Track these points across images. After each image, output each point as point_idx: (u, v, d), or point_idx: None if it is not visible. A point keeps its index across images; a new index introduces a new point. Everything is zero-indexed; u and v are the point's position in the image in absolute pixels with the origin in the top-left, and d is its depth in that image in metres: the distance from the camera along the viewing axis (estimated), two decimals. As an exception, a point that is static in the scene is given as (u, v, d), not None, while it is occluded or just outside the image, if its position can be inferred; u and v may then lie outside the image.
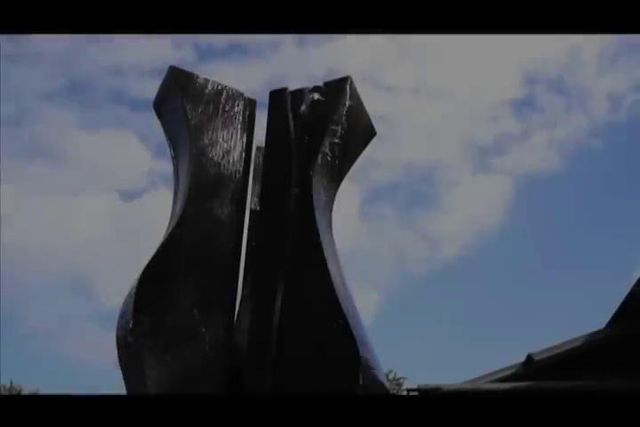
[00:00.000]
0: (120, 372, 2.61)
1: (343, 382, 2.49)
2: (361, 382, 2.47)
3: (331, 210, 2.98)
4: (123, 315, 2.57)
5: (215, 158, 2.87)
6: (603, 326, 17.16)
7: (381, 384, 2.64)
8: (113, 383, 2.66)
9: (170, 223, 2.76)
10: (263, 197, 2.93)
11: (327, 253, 2.70)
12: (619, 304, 16.67)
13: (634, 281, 16.08)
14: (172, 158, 3.01)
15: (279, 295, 2.64)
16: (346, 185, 3.08)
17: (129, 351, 2.51)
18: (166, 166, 3.10)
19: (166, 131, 3.05)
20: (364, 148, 3.11)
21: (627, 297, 16.31)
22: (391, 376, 31.70)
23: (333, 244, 2.90)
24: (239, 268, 2.82)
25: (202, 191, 2.79)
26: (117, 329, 2.59)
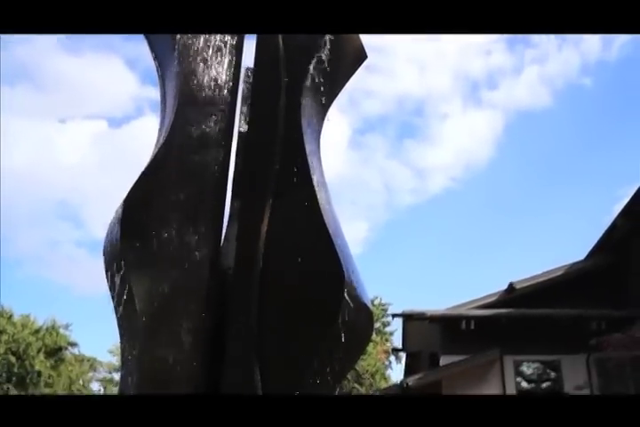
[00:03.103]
0: (109, 292, 2.66)
1: (327, 298, 2.54)
2: (345, 300, 2.52)
3: (319, 134, 2.97)
4: (110, 233, 2.60)
5: (204, 79, 2.85)
6: (582, 257, 17.52)
7: (365, 305, 2.70)
8: (100, 308, 2.70)
9: (156, 144, 2.76)
10: (251, 119, 2.92)
11: (315, 176, 2.72)
12: (598, 237, 16.98)
13: (614, 216, 16.34)
14: (159, 78, 2.98)
15: (266, 216, 2.66)
16: (337, 115, 3.06)
17: (117, 271, 2.55)
18: (154, 93, 3.06)
19: (154, 52, 3.01)
20: (354, 71, 3.08)
21: (606, 231, 16.59)
22: (377, 302, 32.34)
23: (322, 168, 2.91)
24: (226, 191, 2.83)
25: (189, 111, 2.78)
26: (104, 247, 2.62)
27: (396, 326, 35.84)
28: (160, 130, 2.86)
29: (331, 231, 2.63)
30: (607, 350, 10.78)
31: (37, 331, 34.39)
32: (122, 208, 2.59)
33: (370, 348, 30.68)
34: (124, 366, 2.64)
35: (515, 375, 14.99)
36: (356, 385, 29.90)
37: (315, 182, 2.72)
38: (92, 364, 37.45)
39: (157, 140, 2.82)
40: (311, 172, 2.73)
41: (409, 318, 15.86)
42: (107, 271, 2.64)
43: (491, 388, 14.48)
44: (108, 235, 2.64)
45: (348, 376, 29.67)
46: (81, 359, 36.28)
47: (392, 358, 32.92)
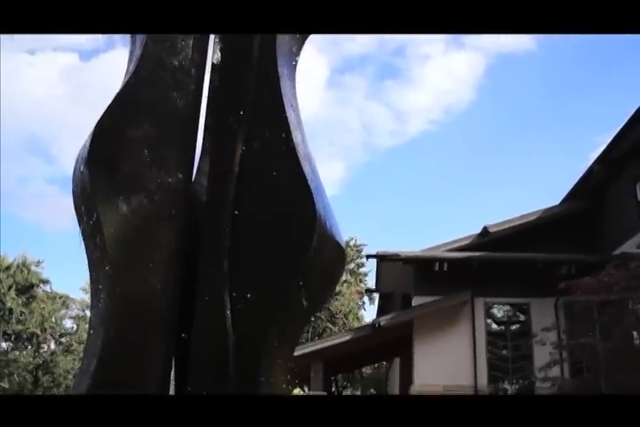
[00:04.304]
0: (78, 227, 2.63)
1: (299, 235, 2.54)
2: (316, 239, 2.52)
3: (294, 70, 2.92)
4: (78, 164, 2.55)
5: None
6: (557, 202, 17.69)
7: (337, 243, 2.70)
8: (72, 245, 2.66)
9: (124, 77, 2.70)
10: (224, 52, 2.84)
11: (289, 113, 2.67)
12: (574, 183, 17.13)
13: (590, 162, 16.46)
14: None
15: (238, 152, 2.63)
16: (315, 54, 2.99)
17: (84, 200, 2.52)
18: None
19: None
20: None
21: (582, 177, 16.72)
22: (352, 243, 32.59)
23: (297, 105, 2.86)
24: (198, 124, 2.78)
25: (159, 44, 2.71)
26: (73, 179, 2.58)
27: (370, 267, 36.25)
28: (129, 63, 2.79)
29: (304, 169, 2.60)
30: (576, 294, 10.98)
31: (8, 268, 34.31)
32: (89, 139, 2.54)
33: (343, 288, 31.06)
34: (94, 298, 2.63)
35: (485, 317, 15.30)
36: (329, 325, 30.40)
37: (289, 119, 2.67)
38: (65, 301, 37.55)
39: (126, 74, 2.75)
40: (285, 108, 2.68)
41: (383, 260, 16.02)
42: (75, 203, 2.60)
43: (461, 329, 14.78)
44: (76, 166, 2.60)
45: (322, 316, 30.13)
46: (53, 297, 36.33)
47: (365, 298, 33.45)
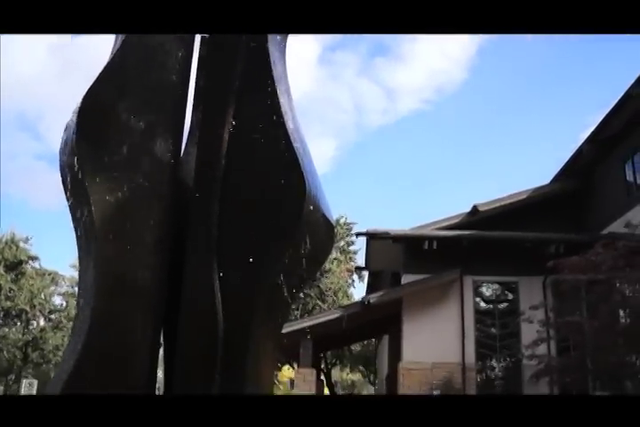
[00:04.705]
0: (67, 203, 2.61)
1: (289, 210, 2.53)
2: (305, 213, 2.51)
3: (285, 44, 2.90)
4: (66, 139, 2.53)
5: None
6: (547, 182, 17.71)
7: (326, 218, 2.70)
8: (61, 222, 2.65)
9: (112, 52, 2.66)
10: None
11: (279, 87, 2.65)
12: (564, 163, 17.14)
13: (580, 143, 16.45)
14: None
15: (227, 127, 2.61)
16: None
17: (73, 176, 2.49)
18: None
19: None
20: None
21: (572, 157, 16.73)
22: (342, 221, 32.59)
23: (287, 80, 2.84)
24: (187, 101, 2.75)
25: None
26: (60, 154, 2.55)
27: (360, 245, 36.31)
28: (116, 39, 2.75)
29: (295, 144, 2.59)
30: (563, 273, 11.03)
31: (-4, 244, 34.22)
32: (77, 113, 2.51)
33: (333, 266, 31.09)
34: (82, 273, 2.62)
35: (474, 295, 15.36)
36: (318, 302, 30.51)
37: (279, 93, 2.65)
38: (54, 278, 37.42)
39: (113, 49, 2.71)
40: (275, 82, 2.66)
41: (373, 238, 16.02)
42: (63, 179, 2.58)
43: (450, 307, 14.85)
44: (63, 141, 2.57)
45: (312, 293, 30.23)
46: (42, 273, 36.19)
47: (355, 276, 33.54)
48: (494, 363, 14.85)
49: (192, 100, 2.78)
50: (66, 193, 2.57)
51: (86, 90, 2.51)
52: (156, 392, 2.60)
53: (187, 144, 2.78)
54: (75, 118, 2.48)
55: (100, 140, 2.49)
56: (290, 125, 2.61)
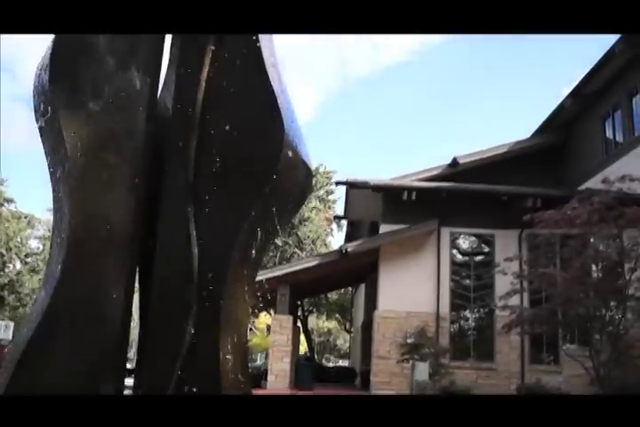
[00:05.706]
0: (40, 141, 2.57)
1: (266, 153, 2.51)
2: (282, 157, 2.50)
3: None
4: (39, 75, 2.47)
5: None
6: (527, 136, 17.74)
7: (304, 162, 2.69)
8: (29, 162, 2.61)
9: None
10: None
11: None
12: (545, 118, 17.14)
13: (561, 98, 16.43)
14: None
15: (206, 67, 2.56)
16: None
17: (46, 116, 2.45)
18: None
19: None
20: None
21: (553, 112, 16.73)
22: (322, 169, 32.51)
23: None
24: (164, 36, 2.71)
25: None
26: (33, 90, 2.51)
27: (340, 194, 36.32)
28: None
29: (274, 86, 2.56)
30: (539, 227, 11.14)
31: (-30, 186, 33.78)
32: (50, 49, 2.44)
33: (312, 215, 31.14)
34: (56, 214, 2.59)
35: (450, 247, 15.52)
36: (296, 250, 30.66)
37: (261, 38, 2.61)
38: (30, 221, 37.13)
39: None
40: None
41: (352, 187, 16.00)
42: (36, 116, 2.52)
43: (427, 257, 15.00)
44: (36, 76, 2.51)
45: (290, 242, 30.35)
46: (18, 216, 35.90)
47: (334, 225, 33.64)
48: (468, 313, 15.11)
49: (170, 38, 2.73)
50: (41, 135, 2.53)
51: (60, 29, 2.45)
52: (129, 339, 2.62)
53: (165, 80, 2.74)
54: (48, 53, 2.42)
55: (73, 80, 2.44)
56: (270, 69, 2.58)
